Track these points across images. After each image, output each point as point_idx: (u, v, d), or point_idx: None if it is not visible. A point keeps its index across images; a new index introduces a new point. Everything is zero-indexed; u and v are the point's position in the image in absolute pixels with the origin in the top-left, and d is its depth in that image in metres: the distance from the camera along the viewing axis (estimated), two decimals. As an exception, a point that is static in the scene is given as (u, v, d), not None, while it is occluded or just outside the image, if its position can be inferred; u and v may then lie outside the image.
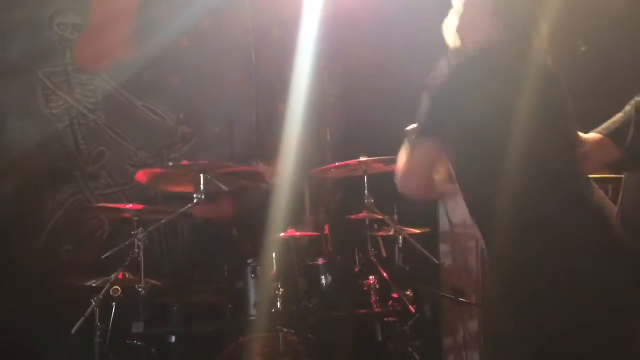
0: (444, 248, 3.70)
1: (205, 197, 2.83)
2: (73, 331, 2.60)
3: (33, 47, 3.91)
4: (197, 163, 2.96)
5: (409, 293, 2.92)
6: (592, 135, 2.00)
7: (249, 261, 2.89)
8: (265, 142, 3.94)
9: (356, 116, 4.39)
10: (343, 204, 3.97)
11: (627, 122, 1.92)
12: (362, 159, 3.06)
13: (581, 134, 2.05)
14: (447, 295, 3.14)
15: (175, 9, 4.12)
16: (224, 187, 2.99)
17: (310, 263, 3.01)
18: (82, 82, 4.02)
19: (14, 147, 3.82)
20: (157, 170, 3.14)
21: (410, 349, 2.94)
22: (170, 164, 2.98)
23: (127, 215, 3.07)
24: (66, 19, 3.97)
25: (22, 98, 3.88)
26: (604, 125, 1.99)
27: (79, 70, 4.01)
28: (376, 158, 3.04)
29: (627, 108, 1.98)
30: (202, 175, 2.85)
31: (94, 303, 2.66)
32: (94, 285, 2.87)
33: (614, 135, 1.92)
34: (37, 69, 3.92)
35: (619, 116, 1.98)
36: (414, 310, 2.81)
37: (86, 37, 4.01)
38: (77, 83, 4.01)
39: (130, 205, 3.06)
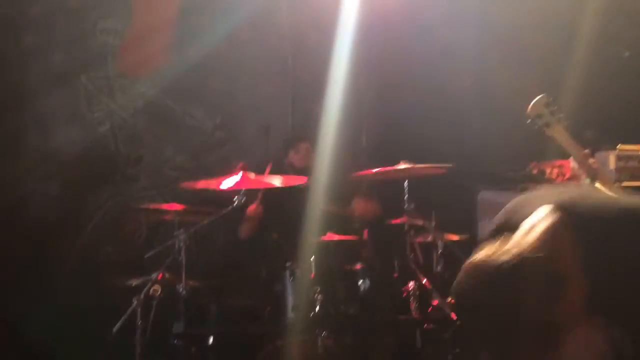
0: (482, 255, 3.62)
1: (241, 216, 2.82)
2: (115, 329, 2.63)
3: (76, 53, 4.01)
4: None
5: (450, 300, 2.87)
6: None
7: (288, 264, 2.89)
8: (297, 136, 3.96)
9: (392, 121, 4.38)
10: (380, 208, 3.94)
11: None
12: (403, 165, 3.02)
13: None
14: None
15: (214, 16, 4.18)
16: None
17: (349, 267, 2.98)
18: (123, 87, 4.10)
19: (58, 150, 3.91)
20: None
21: (449, 357, 2.89)
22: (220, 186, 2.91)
23: (167, 217, 3.10)
24: (109, 24, 4.06)
25: (66, 102, 3.98)
26: None
27: (120, 75, 4.09)
28: (419, 166, 3.01)
29: None
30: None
31: (135, 302, 2.68)
32: (133, 285, 2.90)
33: None
34: (80, 75, 4.01)
35: None
36: (455, 318, 2.75)
37: (128, 43, 4.09)
38: (118, 87, 4.10)
39: (172, 207, 3.09)
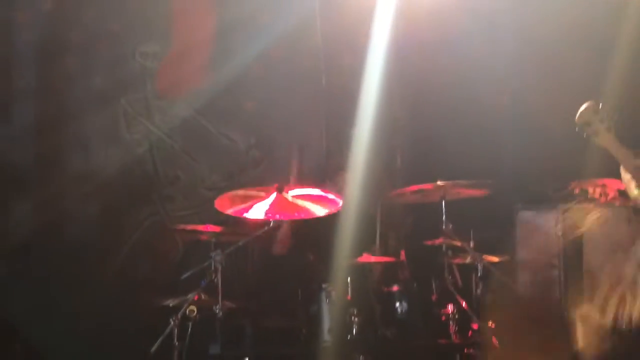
0: (522, 277, 3.53)
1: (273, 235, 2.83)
2: (152, 349, 2.64)
3: (116, 76, 4.11)
4: (270, 187, 2.97)
5: (490, 324, 2.79)
6: None
7: (324, 285, 2.86)
8: (333, 164, 3.94)
9: (428, 140, 4.33)
10: (415, 229, 3.88)
11: None
12: (440, 183, 2.98)
13: None
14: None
15: (249, 38, 4.24)
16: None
17: (386, 289, 2.94)
18: (161, 108, 4.18)
19: (98, 171, 4.00)
20: (234, 194, 3.14)
21: (490, 383, 2.80)
22: (249, 191, 3.00)
23: (204, 237, 3.12)
24: (147, 48, 4.16)
25: (106, 124, 4.07)
26: None
27: (158, 97, 4.17)
28: (457, 182, 2.96)
29: None
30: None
31: (172, 322, 2.69)
32: (171, 305, 2.91)
33: None
34: (120, 97, 4.11)
35: None
36: (497, 343, 2.67)
37: (166, 65, 4.18)
38: (157, 109, 4.18)
39: (208, 227, 3.11)
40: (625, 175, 2.16)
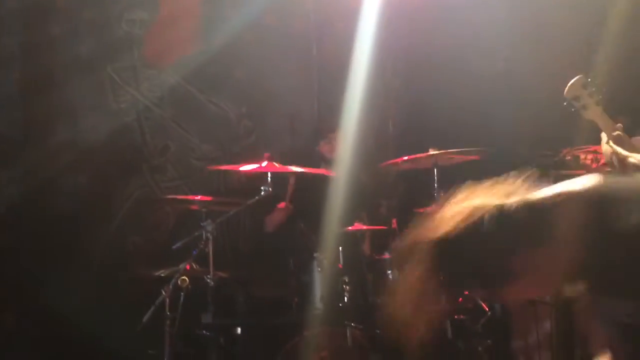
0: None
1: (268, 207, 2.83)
2: (144, 319, 2.64)
3: (102, 44, 4.02)
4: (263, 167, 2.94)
5: (480, 290, 2.81)
6: None
7: (315, 254, 2.86)
8: (326, 125, 3.92)
9: (420, 107, 4.30)
10: (407, 197, 3.88)
11: None
12: (432, 151, 2.96)
13: None
14: (521, 294, 3.00)
15: (239, 4, 4.15)
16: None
17: (377, 257, 2.95)
18: (148, 77, 4.10)
19: (85, 141, 3.94)
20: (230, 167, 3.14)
21: (480, 349, 2.84)
22: (242, 169, 3.01)
23: (194, 207, 3.10)
24: (134, 15, 4.06)
25: (92, 93, 3.99)
26: None
27: (145, 65, 4.09)
28: (448, 151, 2.94)
29: None
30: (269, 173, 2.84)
31: (164, 292, 2.69)
32: (162, 275, 2.91)
33: None
34: (106, 65, 4.02)
35: None
36: (487, 309, 2.70)
37: (153, 33, 4.09)
38: (144, 78, 4.10)
39: (199, 197, 3.09)
40: (608, 150, 2.15)
